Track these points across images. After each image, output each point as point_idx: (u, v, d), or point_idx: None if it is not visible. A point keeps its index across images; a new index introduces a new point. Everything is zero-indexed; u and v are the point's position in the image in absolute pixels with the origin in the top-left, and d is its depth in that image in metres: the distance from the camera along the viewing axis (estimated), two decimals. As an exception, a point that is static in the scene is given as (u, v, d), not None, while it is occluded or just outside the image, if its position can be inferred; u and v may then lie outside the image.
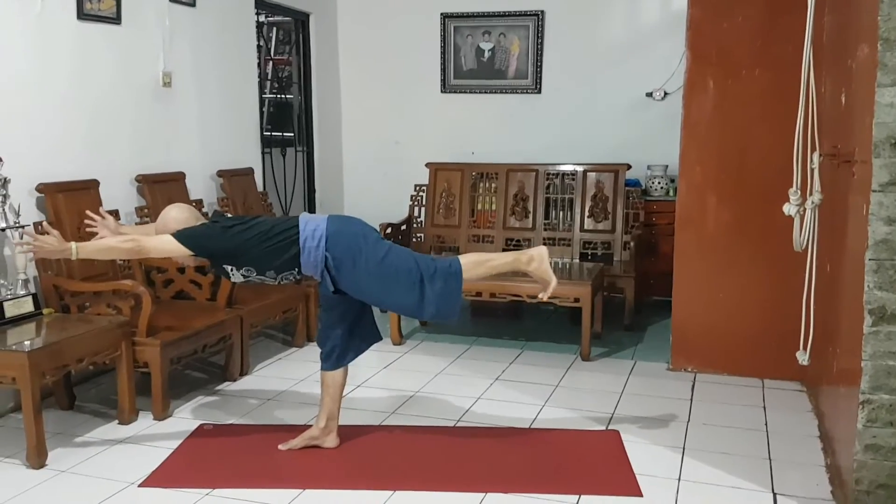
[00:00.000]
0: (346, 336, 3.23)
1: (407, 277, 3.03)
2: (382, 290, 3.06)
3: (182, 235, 3.01)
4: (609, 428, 3.60)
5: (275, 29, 6.65)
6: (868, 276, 2.60)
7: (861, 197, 2.71)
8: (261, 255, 3.03)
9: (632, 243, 5.31)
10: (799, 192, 3.10)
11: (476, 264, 3.15)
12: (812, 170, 3.10)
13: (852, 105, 3.04)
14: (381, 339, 3.38)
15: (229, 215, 3.27)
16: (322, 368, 3.28)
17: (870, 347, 2.62)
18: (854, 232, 2.86)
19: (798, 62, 2.99)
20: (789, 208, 3.12)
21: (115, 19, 4.30)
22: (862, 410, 2.64)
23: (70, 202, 3.93)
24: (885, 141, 2.54)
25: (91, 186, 4.11)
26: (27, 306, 3.58)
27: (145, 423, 3.62)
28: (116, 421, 3.61)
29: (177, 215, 3.15)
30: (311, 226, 3.05)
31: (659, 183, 5.83)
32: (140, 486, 3.01)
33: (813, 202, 3.10)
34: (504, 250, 5.78)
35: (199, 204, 4.91)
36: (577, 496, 2.92)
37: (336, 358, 3.25)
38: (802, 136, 3.03)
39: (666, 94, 5.94)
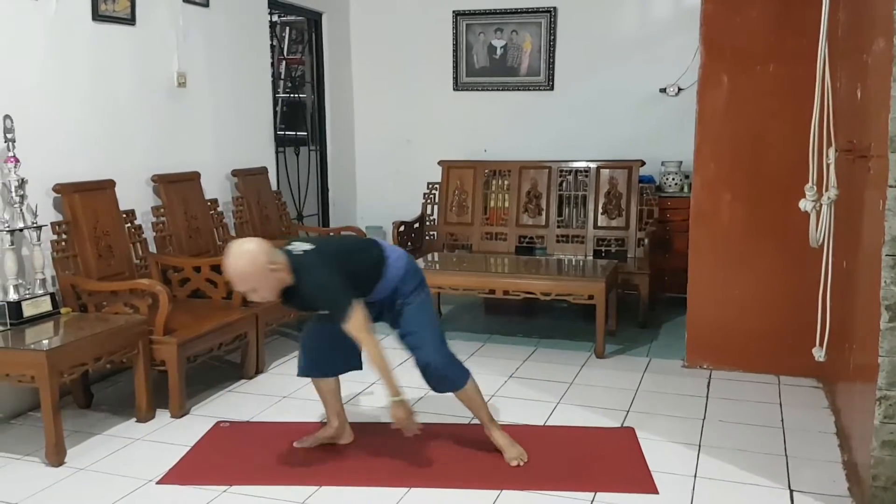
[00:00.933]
0: (334, 352, 3.23)
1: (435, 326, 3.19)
2: (424, 325, 3.13)
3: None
4: (624, 425, 3.59)
5: (288, 28, 6.67)
6: (885, 272, 2.59)
7: (877, 192, 2.69)
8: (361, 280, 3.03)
9: (646, 240, 5.30)
10: (815, 187, 3.07)
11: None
12: (828, 165, 3.08)
13: (868, 100, 3.02)
14: (361, 368, 3.32)
15: (307, 246, 3.03)
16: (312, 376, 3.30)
17: (886, 343, 2.61)
18: (870, 228, 2.84)
19: (812, 56, 2.97)
20: (805, 204, 3.10)
21: (130, 20, 4.33)
22: (879, 407, 2.63)
23: (86, 202, 3.97)
24: (901, 136, 2.53)
25: (107, 186, 4.14)
26: (45, 305, 3.61)
27: (162, 420, 3.65)
28: (134, 419, 3.65)
29: (254, 248, 2.83)
30: (394, 253, 3.15)
31: (673, 179, 5.81)
32: (158, 483, 3.04)
33: (829, 198, 3.08)
34: (517, 248, 5.79)
35: (213, 203, 4.95)
36: (593, 493, 2.92)
37: (318, 368, 3.26)
38: (818, 131, 3.02)
39: (680, 89, 5.91)
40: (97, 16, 4.11)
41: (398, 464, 3.18)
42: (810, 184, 3.07)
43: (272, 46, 5.92)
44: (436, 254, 5.59)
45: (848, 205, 3.20)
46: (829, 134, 3.03)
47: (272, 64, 5.90)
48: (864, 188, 3.01)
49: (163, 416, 3.69)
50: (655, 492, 2.94)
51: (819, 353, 3.23)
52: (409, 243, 5.78)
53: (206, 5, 4.96)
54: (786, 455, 3.26)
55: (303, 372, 3.29)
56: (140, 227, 4.34)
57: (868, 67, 3.02)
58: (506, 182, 5.96)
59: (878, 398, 2.63)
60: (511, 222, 5.87)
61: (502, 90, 6.37)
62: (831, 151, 3.08)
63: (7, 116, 3.54)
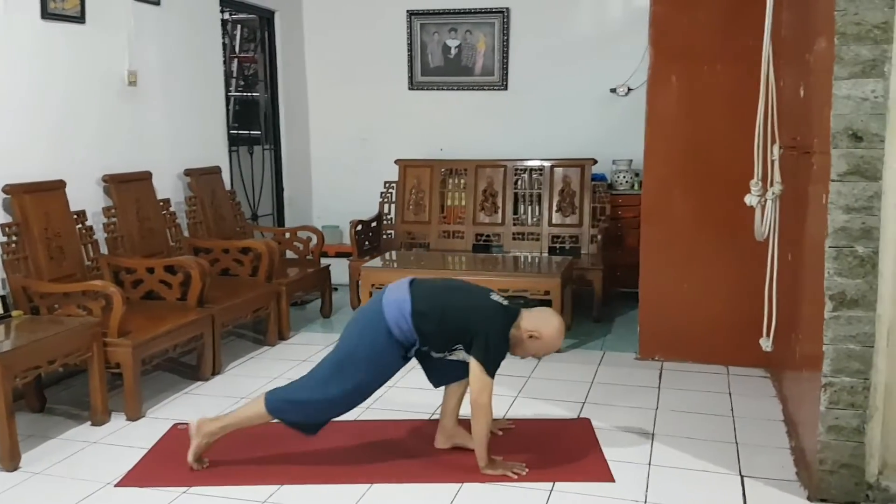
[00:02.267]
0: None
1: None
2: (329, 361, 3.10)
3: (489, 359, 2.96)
4: (580, 416, 3.67)
5: (239, 27, 6.62)
6: (828, 263, 2.70)
7: (820, 186, 2.80)
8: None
9: (599, 236, 5.40)
10: (760, 183, 3.18)
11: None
12: (772, 161, 3.19)
13: (811, 98, 3.14)
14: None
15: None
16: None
17: (831, 332, 2.72)
18: (814, 221, 2.95)
19: (758, 56, 3.08)
20: (751, 199, 3.21)
21: (80, 18, 4.26)
22: (824, 393, 2.74)
23: (37, 203, 3.89)
24: (842, 132, 2.64)
25: (58, 187, 4.07)
26: (-5, 309, 3.54)
27: (118, 423, 3.61)
28: (89, 422, 3.59)
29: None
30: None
31: (624, 177, 5.93)
32: (116, 485, 3.01)
33: (774, 193, 3.19)
34: (474, 246, 5.85)
35: (166, 203, 4.89)
36: (552, 483, 2.98)
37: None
38: (763, 128, 3.13)
39: (630, 89, 6.03)
40: (46, 14, 4.04)
41: (360, 461, 3.19)
42: (756, 179, 3.18)
43: (224, 45, 5.87)
44: (394, 252, 5.61)
45: (793, 199, 3.31)
46: (774, 131, 3.14)
47: (224, 62, 5.85)
48: (807, 183, 3.12)
49: (118, 419, 3.64)
50: (612, 480, 3.01)
51: (766, 344, 3.35)
52: (367, 242, 5.78)
53: (158, 3, 4.90)
54: (736, 442, 3.37)
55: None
56: (91, 227, 4.28)
57: (811, 67, 3.13)
58: (462, 181, 6.01)
59: (823, 385, 2.74)
60: (468, 220, 5.92)
61: (457, 89, 6.42)
62: (776, 148, 3.19)
63: (-47, 115, 3.46)
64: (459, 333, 2.98)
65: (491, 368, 2.94)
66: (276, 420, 3.08)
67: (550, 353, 3.18)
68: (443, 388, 3.28)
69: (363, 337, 3.01)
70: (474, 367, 2.94)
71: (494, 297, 3.07)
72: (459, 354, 3.06)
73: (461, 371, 3.10)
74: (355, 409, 3.62)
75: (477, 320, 2.95)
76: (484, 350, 2.93)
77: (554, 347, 3.10)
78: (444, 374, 3.22)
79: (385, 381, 3.10)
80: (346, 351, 3.03)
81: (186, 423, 3.42)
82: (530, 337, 3.02)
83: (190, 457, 3.09)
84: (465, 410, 3.12)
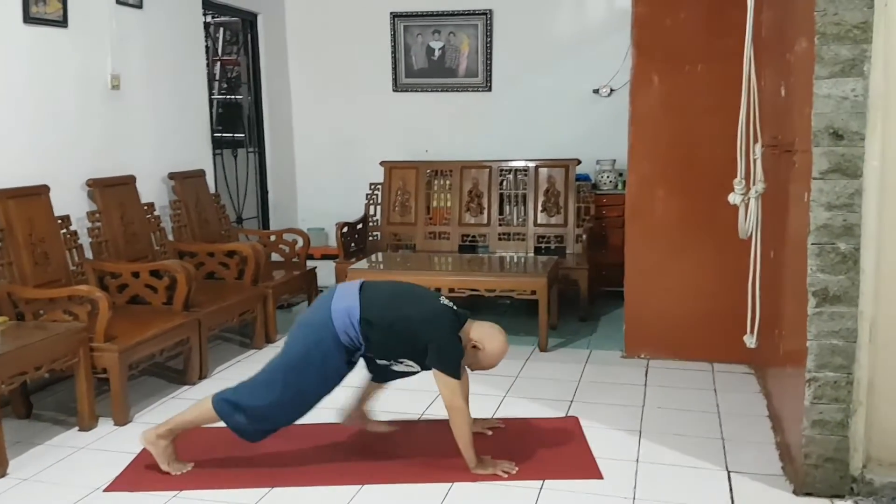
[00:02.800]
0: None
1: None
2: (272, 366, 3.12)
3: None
4: (568, 415, 3.69)
5: (222, 29, 6.61)
6: (811, 260, 2.74)
7: (802, 185, 2.84)
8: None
9: (584, 236, 5.43)
10: (743, 181, 3.23)
11: None
12: (754, 160, 3.23)
13: (792, 97, 3.18)
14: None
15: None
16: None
17: (814, 328, 2.76)
18: (796, 218, 2.99)
19: (739, 56, 3.12)
20: (734, 198, 3.26)
21: (62, 22, 4.24)
22: (808, 388, 2.78)
23: (21, 208, 3.87)
24: (823, 131, 2.68)
25: (41, 192, 4.04)
26: (-20, 315, 3.52)
27: (106, 429, 3.59)
28: (76, 428, 3.57)
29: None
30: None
31: (608, 177, 5.97)
32: (105, 490, 3.00)
33: (756, 191, 3.23)
34: (460, 247, 5.87)
35: (150, 207, 4.87)
36: (542, 481, 3.00)
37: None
38: (745, 127, 3.17)
39: (612, 90, 6.08)
40: (28, 18, 4.01)
41: (350, 462, 3.20)
42: (739, 178, 3.22)
43: (207, 47, 5.86)
44: (380, 254, 5.62)
45: (775, 197, 3.36)
46: (756, 130, 3.19)
47: (207, 65, 5.83)
48: (789, 181, 3.16)
49: (106, 424, 3.63)
50: (600, 477, 3.04)
51: (750, 341, 3.39)
52: (353, 244, 5.79)
53: (140, 7, 4.89)
54: (722, 438, 3.40)
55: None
56: (76, 232, 4.25)
57: (791, 66, 3.18)
58: (448, 182, 6.02)
59: (807, 380, 2.78)
60: (454, 221, 5.94)
61: (441, 91, 6.44)
62: (757, 147, 3.24)
63: (-65, 121, 3.44)
64: (407, 345, 3.00)
65: (453, 371, 2.96)
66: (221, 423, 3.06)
67: (486, 370, 3.16)
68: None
69: (309, 342, 2.99)
70: (437, 375, 2.97)
71: (443, 300, 3.09)
72: (403, 367, 3.11)
73: (400, 376, 3.20)
74: (343, 412, 3.64)
75: (425, 330, 2.97)
76: (439, 358, 2.96)
77: (493, 363, 3.11)
78: (384, 374, 3.28)
79: (331, 390, 3.07)
80: (292, 356, 3.01)
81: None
82: (473, 347, 3.05)
83: (162, 466, 3.09)
84: (412, 409, 3.13)
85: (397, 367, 3.14)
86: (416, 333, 2.97)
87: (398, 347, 3.02)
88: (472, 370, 3.14)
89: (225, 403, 3.03)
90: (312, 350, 2.98)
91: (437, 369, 2.97)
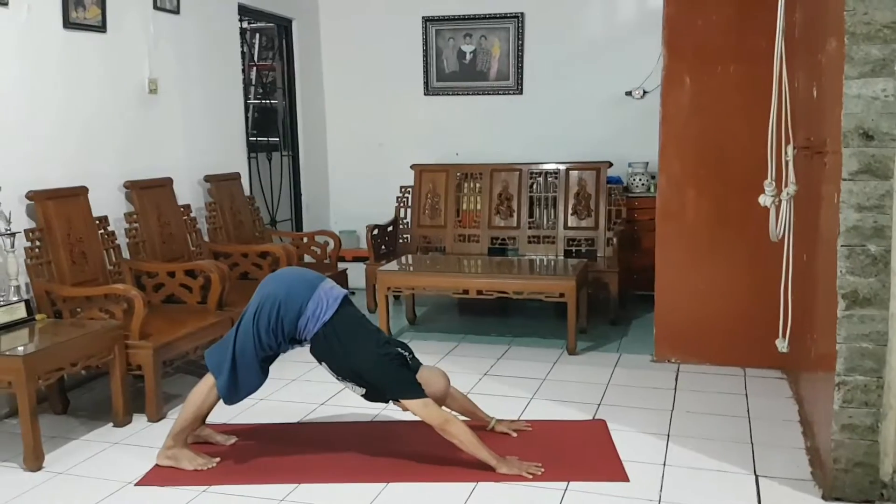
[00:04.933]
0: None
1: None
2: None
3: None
4: (595, 418, 3.68)
5: (258, 35, 6.71)
6: (840, 262, 2.70)
7: (833, 186, 2.80)
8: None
9: (614, 239, 5.40)
10: (773, 183, 3.18)
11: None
12: (787, 162, 3.20)
13: (823, 97, 3.14)
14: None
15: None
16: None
17: (844, 331, 2.72)
18: (827, 220, 2.95)
19: (771, 56, 3.08)
20: (764, 199, 3.21)
21: (101, 27, 4.35)
22: (838, 392, 2.74)
23: (60, 209, 3.98)
24: (853, 131, 2.65)
25: (80, 193, 4.15)
26: (20, 312, 3.62)
27: (140, 424, 3.67)
28: (111, 424, 3.66)
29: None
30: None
31: (640, 179, 5.93)
32: (136, 484, 3.07)
33: (788, 193, 3.19)
34: (489, 250, 5.88)
35: (186, 209, 4.97)
36: (566, 483, 3.00)
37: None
38: (776, 128, 3.13)
39: (645, 92, 6.04)
40: (68, 23, 4.13)
41: (375, 460, 3.24)
42: (769, 180, 3.18)
43: (243, 53, 5.95)
44: (409, 256, 5.65)
45: (807, 200, 3.32)
46: (788, 131, 3.15)
47: (243, 70, 5.93)
48: (820, 183, 3.12)
49: (140, 420, 3.71)
50: (626, 479, 3.03)
51: (782, 345, 3.34)
52: (384, 246, 5.83)
53: (177, 12, 4.99)
54: (751, 442, 3.37)
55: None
56: (113, 233, 4.36)
57: (822, 66, 3.14)
58: (477, 185, 6.04)
59: (836, 384, 2.74)
60: (483, 224, 5.95)
61: (472, 94, 6.46)
62: (790, 148, 3.20)
63: (-21, 124, 3.55)
64: (353, 371, 3.10)
65: (415, 392, 3.04)
66: (217, 390, 3.16)
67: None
68: None
69: (280, 294, 3.09)
70: (409, 404, 3.05)
71: (400, 350, 3.15)
72: (345, 384, 3.19)
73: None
74: (373, 409, 3.68)
75: (370, 369, 3.06)
76: (398, 388, 3.06)
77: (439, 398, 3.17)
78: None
79: (259, 352, 3.12)
80: (261, 310, 3.09)
81: (206, 425, 3.46)
82: None
83: (188, 468, 3.16)
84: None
85: (346, 386, 3.21)
86: (362, 368, 3.06)
87: (342, 365, 3.11)
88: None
89: (214, 361, 3.17)
90: (277, 309, 3.07)
91: (402, 399, 3.05)
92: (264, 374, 3.20)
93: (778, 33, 3.03)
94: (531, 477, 3.03)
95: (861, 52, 2.60)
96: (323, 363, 3.18)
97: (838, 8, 2.67)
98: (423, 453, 3.28)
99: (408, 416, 3.66)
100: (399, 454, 3.29)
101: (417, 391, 3.04)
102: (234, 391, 3.16)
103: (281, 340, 3.12)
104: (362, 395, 3.18)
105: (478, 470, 3.09)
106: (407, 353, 3.16)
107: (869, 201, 2.65)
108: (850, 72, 2.62)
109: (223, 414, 3.78)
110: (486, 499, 2.92)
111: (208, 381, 3.19)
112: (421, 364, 3.21)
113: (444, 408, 3.17)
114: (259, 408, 3.87)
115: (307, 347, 3.17)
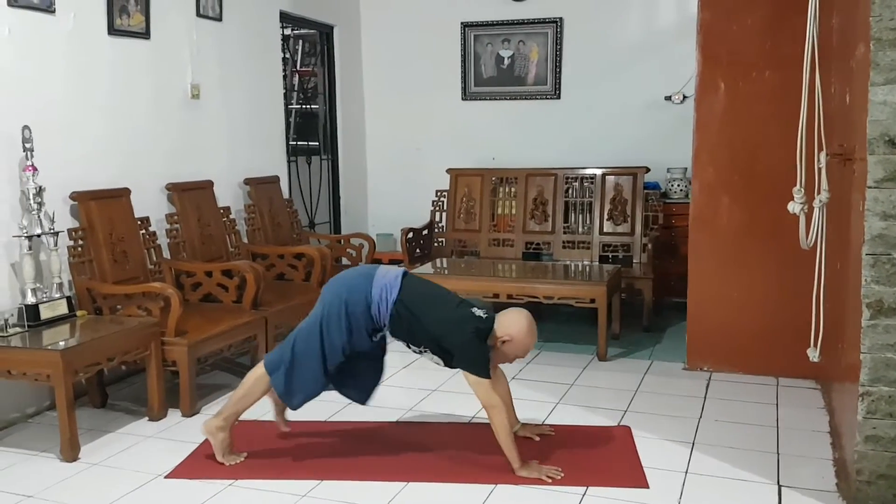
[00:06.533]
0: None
1: None
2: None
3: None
4: (621, 424, 3.67)
5: (301, 42, 6.84)
6: (865, 271, 2.66)
7: (859, 193, 2.76)
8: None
9: (649, 245, 5.37)
10: (803, 190, 3.15)
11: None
12: (819, 169, 3.15)
13: (853, 104, 3.09)
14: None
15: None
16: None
17: (868, 340, 2.68)
18: (856, 229, 2.90)
19: (807, 63, 3.05)
20: (794, 206, 3.18)
21: (145, 34, 4.50)
22: (862, 402, 2.70)
23: (102, 210, 4.12)
24: (879, 138, 2.61)
25: (123, 195, 4.29)
26: (62, 308, 3.76)
27: (174, 419, 3.78)
28: (146, 418, 3.78)
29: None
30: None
31: (678, 185, 5.88)
32: (166, 477, 3.16)
33: (821, 201, 3.14)
34: (524, 255, 5.89)
35: (226, 211, 5.09)
36: (585, 487, 3.00)
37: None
38: (807, 135, 3.09)
39: (685, 97, 5.99)
40: (113, 30, 4.28)
41: (397, 459, 3.28)
42: (798, 187, 3.15)
43: (286, 59, 6.08)
44: (444, 259, 5.70)
45: (840, 207, 3.26)
46: (821, 138, 3.10)
47: (286, 76, 6.05)
48: (850, 190, 3.07)
49: (174, 415, 3.82)
50: (646, 486, 3.01)
51: (813, 354, 3.29)
52: (419, 250, 5.89)
53: (220, 19, 5.12)
54: (778, 453, 3.32)
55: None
56: (154, 233, 4.49)
57: (853, 73, 3.09)
58: (513, 189, 6.06)
59: (860, 394, 2.69)
60: (518, 229, 5.97)
61: (510, 99, 6.49)
62: (822, 155, 3.15)
63: (26, 127, 3.70)
64: (431, 341, 3.10)
65: (479, 371, 3.02)
66: (272, 386, 3.21)
67: (526, 354, 3.21)
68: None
69: (343, 300, 3.11)
70: (467, 377, 3.06)
71: (475, 310, 3.13)
72: (427, 357, 3.19)
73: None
74: (399, 411, 3.74)
75: (449, 334, 3.05)
76: (465, 361, 3.05)
77: (527, 346, 3.14)
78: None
79: (346, 353, 3.15)
80: (327, 307, 3.14)
81: (238, 421, 3.55)
82: (504, 342, 3.09)
83: (218, 456, 3.24)
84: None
85: (425, 356, 3.21)
86: (439, 334, 3.06)
87: (422, 338, 3.12)
88: (511, 360, 3.22)
89: (272, 362, 3.21)
90: (345, 308, 3.10)
91: (465, 371, 3.05)
92: (327, 379, 3.21)
93: (808, 38, 3.00)
94: (550, 481, 3.04)
95: (887, 58, 2.56)
96: (403, 342, 3.20)
97: (865, 14, 2.63)
98: (444, 454, 3.32)
99: (429, 418, 3.72)
100: (420, 455, 3.33)
101: (484, 371, 3.03)
102: (288, 391, 3.19)
103: (359, 336, 3.14)
104: (440, 364, 3.19)
105: (497, 472, 3.11)
106: (483, 313, 3.14)
107: (895, 209, 2.60)
108: (876, 78, 2.58)
109: (251, 412, 3.87)
110: (505, 501, 2.94)
111: (259, 369, 3.25)
112: (495, 318, 3.14)
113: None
114: (289, 406, 3.96)
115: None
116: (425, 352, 3.17)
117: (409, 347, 3.21)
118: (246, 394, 3.25)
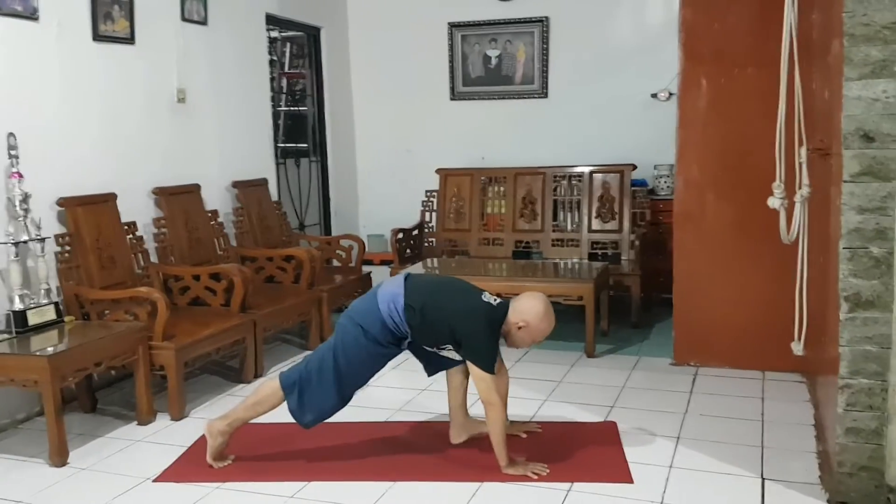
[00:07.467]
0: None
1: None
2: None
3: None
4: (607, 419, 3.69)
5: (288, 44, 6.85)
6: (842, 265, 2.69)
7: (836, 188, 2.78)
8: None
9: (637, 242, 5.39)
10: (782, 185, 3.17)
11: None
12: (800, 164, 3.17)
13: (830, 99, 3.11)
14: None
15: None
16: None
17: (847, 333, 2.70)
18: (833, 222, 2.93)
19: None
20: (773, 201, 3.20)
21: (130, 39, 4.51)
22: (841, 395, 2.72)
23: (89, 215, 4.13)
24: (854, 133, 2.63)
25: (109, 200, 4.30)
26: (49, 314, 3.77)
27: (163, 423, 3.79)
28: (135, 422, 3.79)
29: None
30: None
31: (665, 182, 5.91)
32: (154, 481, 3.18)
33: (802, 195, 3.16)
34: (514, 253, 5.90)
35: (214, 214, 5.10)
36: (570, 483, 3.03)
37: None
38: (786, 130, 3.11)
39: (671, 94, 6.00)
40: (98, 36, 4.29)
41: (383, 459, 3.30)
42: (778, 182, 3.17)
43: (273, 61, 6.09)
44: (434, 259, 5.71)
45: (821, 202, 3.28)
46: (801, 133, 3.12)
47: (274, 78, 6.06)
48: (829, 185, 3.09)
49: (163, 419, 3.83)
50: (630, 481, 3.04)
51: (797, 348, 3.32)
52: (409, 250, 5.91)
53: (205, 23, 5.13)
54: (762, 446, 3.35)
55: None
56: (142, 238, 4.50)
57: (830, 68, 3.11)
58: (502, 188, 6.08)
59: (840, 387, 2.72)
60: (507, 228, 5.99)
61: (498, 99, 6.51)
62: (803, 150, 3.17)
63: (11, 134, 3.71)
64: (444, 334, 3.08)
65: (484, 365, 3.02)
66: (283, 402, 3.20)
67: (544, 339, 3.21)
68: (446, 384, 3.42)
69: (358, 327, 3.11)
70: (471, 368, 3.06)
71: (485, 297, 3.14)
72: (447, 352, 3.19)
73: (452, 363, 3.26)
74: (387, 411, 3.75)
75: (459, 323, 3.04)
76: (472, 353, 3.04)
77: (543, 331, 3.14)
78: (436, 365, 3.34)
79: (374, 372, 3.21)
80: (344, 337, 3.14)
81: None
82: (519, 328, 3.10)
83: (208, 457, 3.25)
84: (477, 411, 3.19)
85: (444, 353, 3.23)
86: (451, 326, 3.06)
87: (439, 335, 3.12)
88: (528, 346, 3.23)
89: (287, 379, 3.19)
90: (361, 333, 3.10)
91: (471, 363, 3.06)
92: (341, 399, 3.19)
93: (785, 33, 3.02)
94: (536, 477, 3.06)
95: (861, 53, 2.59)
96: (431, 346, 3.20)
97: (839, 10, 2.65)
98: (430, 453, 3.34)
99: (423, 418, 3.74)
100: (406, 454, 3.36)
101: (488, 365, 3.03)
102: (300, 410, 3.18)
103: (388, 352, 3.16)
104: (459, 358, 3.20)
105: (483, 470, 3.13)
106: (494, 299, 3.15)
107: (871, 203, 2.63)
108: (850, 73, 2.61)
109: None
110: (491, 498, 2.96)
111: (275, 383, 3.23)
112: (507, 304, 3.14)
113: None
114: (281, 409, 3.95)
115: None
116: (445, 349, 3.18)
117: (440, 351, 3.20)
118: (258, 402, 3.24)
